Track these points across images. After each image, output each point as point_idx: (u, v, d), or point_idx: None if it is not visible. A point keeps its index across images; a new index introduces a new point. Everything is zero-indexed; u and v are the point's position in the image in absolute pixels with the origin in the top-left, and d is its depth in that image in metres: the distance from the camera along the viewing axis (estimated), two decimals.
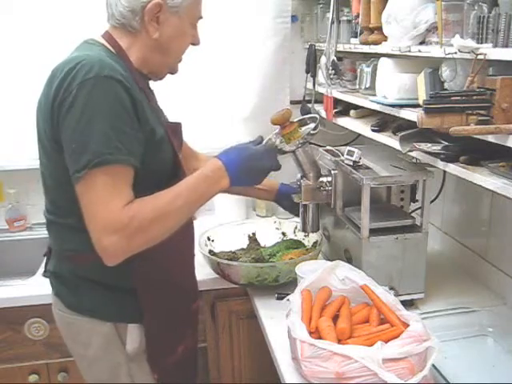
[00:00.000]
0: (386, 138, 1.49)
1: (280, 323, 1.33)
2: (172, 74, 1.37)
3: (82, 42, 1.27)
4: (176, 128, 1.38)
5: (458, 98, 1.07)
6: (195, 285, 1.49)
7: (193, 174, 1.24)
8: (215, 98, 2.17)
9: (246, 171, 1.28)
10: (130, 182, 1.14)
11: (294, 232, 1.89)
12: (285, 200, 1.68)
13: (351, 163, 1.50)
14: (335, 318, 1.22)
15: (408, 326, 1.14)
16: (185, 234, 1.33)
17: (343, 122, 1.84)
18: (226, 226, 1.91)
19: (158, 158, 1.24)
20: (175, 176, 1.27)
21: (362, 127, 1.67)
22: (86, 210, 1.11)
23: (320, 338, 1.15)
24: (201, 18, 1.33)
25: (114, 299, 1.27)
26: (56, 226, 1.28)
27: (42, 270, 1.80)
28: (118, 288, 1.26)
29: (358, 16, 1.61)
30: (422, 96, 1.25)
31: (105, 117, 1.09)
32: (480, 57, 1.01)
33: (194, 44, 1.34)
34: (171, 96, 1.44)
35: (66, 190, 1.16)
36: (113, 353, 1.29)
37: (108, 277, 1.25)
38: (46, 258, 1.40)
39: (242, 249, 1.81)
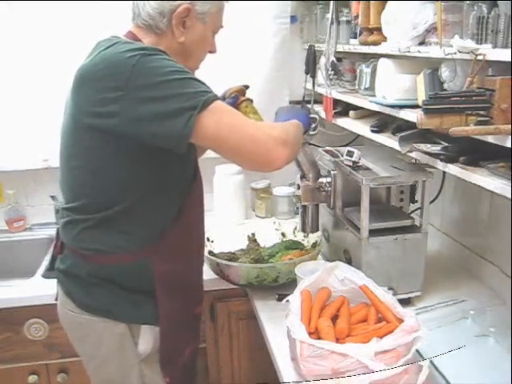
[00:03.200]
0: (385, 139, 1.49)
1: (279, 324, 1.33)
2: None
3: (104, 39, 1.23)
4: None
5: (458, 98, 1.07)
6: (202, 288, 1.51)
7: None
8: None
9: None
10: None
11: (294, 232, 1.89)
12: None
13: (351, 164, 1.50)
14: (334, 318, 1.22)
15: (403, 321, 1.14)
16: (200, 239, 1.33)
17: (343, 122, 1.84)
18: (225, 226, 1.91)
19: (186, 156, 1.23)
20: (194, 177, 1.31)
21: (362, 128, 1.67)
22: (240, 134, 1.13)
23: (319, 338, 1.16)
24: (222, 27, 1.36)
25: (130, 300, 1.26)
26: (77, 225, 1.24)
27: (42, 270, 1.80)
28: (135, 289, 1.25)
29: (357, 17, 1.61)
30: (422, 96, 1.25)
31: (179, 71, 1.12)
32: (479, 57, 1.01)
33: (211, 52, 1.37)
34: None
35: (98, 181, 1.16)
36: (125, 353, 1.29)
37: (129, 278, 1.24)
38: (51, 256, 1.38)
39: (242, 249, 1.81)
